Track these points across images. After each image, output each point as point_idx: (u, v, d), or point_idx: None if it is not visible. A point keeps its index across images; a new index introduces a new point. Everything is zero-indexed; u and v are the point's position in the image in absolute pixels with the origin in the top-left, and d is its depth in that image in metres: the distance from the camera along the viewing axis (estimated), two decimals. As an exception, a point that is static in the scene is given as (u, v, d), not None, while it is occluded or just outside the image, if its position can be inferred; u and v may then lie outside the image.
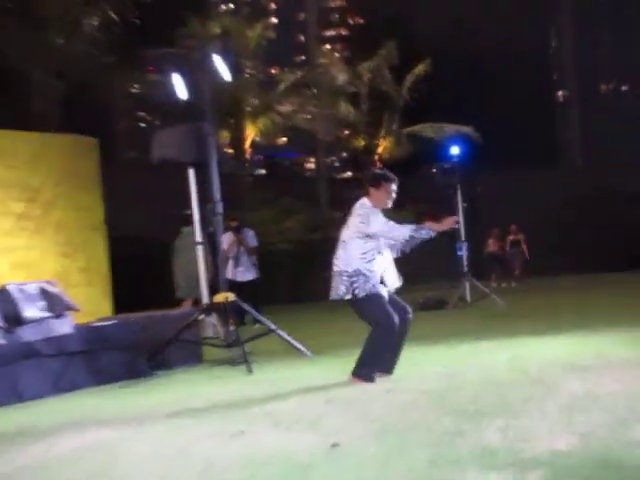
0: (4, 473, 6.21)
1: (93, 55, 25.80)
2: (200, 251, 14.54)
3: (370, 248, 9.63)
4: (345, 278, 9.59)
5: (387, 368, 9.63)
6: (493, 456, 5.55)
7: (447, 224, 9.71)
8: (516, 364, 10.08)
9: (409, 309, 9.86)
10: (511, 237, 31.12)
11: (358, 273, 9.54)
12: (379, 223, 9.60)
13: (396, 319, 9.45)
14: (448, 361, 10.03)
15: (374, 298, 9.52)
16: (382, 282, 9.75)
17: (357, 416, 7.48)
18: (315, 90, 31.70)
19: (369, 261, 9.61)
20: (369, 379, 9.33)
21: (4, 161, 14.68)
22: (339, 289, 9.62)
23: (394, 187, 9.88)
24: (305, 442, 6.47)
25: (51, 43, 24.82)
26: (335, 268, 9.75)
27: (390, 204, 9.89)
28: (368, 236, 9.59)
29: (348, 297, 9.57)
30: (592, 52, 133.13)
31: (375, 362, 9.55)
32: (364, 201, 9.78)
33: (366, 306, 9.55)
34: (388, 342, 9.56)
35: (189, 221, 18.56)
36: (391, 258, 9.92)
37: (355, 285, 9.52)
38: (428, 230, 9.59)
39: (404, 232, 9.57)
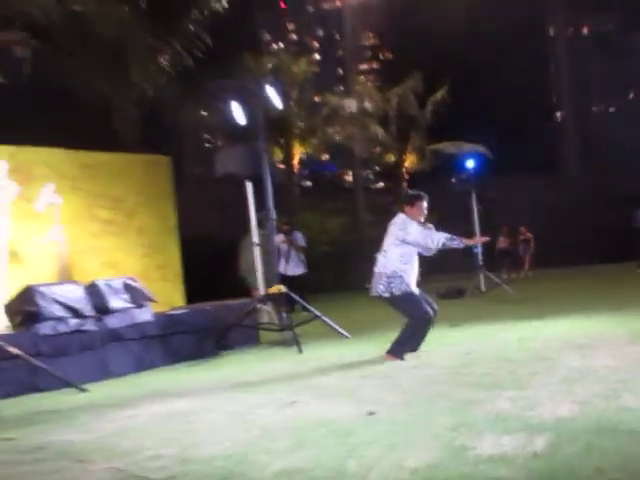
0: (95, 438, 6.24)
1: (166, 85, 25.90)
2: (257, 250, 14.57)
3: (406, 253, 9.73)
4: (384, 279, 9.68)
5: (413, 348, 9.66)
6: (505, 422, 5.54)
7: (476, 241, 10.68)
8: (523, 343, 10.05)
9: (435, 305, 9.89)
10: (521, 236, 31.08)
11: (395, 275, 9.65)
12: (416, 231, 9.71)
13: (430, 312, 9.59)
14: (465, 341, 10.01)
15: (409, 296, 9.63)
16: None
17: (389, 388, 7.47)
18: (352, 114, 31.61)
19: (405, 264, 9.71)
20: (400, 357, 9.37)
21: (93, 176, 14.76)
22: (378, 288, 9.72)
23: (425, 204, 9.97)
24: (345, 411, 6.47)
25: (132, 76, 24.92)
26: (376, 270, 9.80)
27: (422, 219, 9.96)
28: (405, 242, 9.70)
29: (386, 295, 9.68)
30: (585, 78, 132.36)
31: (408, 345, 9.62)
32: (401, 216, 9.89)
33: (402, 302, 9.66)
34: (423, 331, 9.68)
35: (260, 223, 18.95)
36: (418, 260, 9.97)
37: (392, 285, 9.62)
38: (459, 242, 9.80)
39: (439, 239, 9.69)
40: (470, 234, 19.87)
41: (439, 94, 33.97)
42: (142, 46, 24.81)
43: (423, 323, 9.65)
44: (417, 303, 9.63)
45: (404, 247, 9.75)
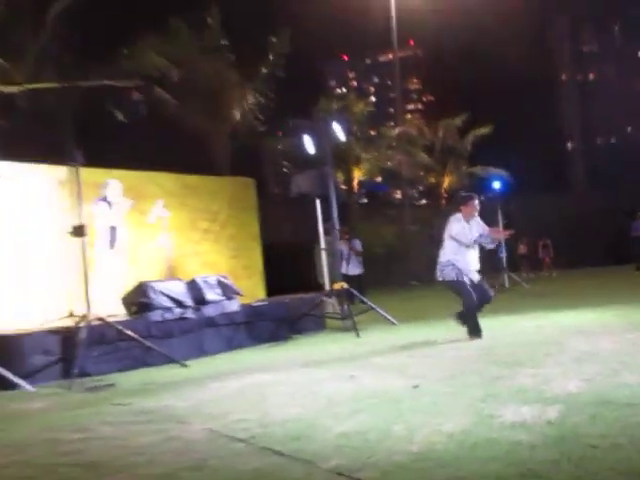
0: (193, 404, 6.28)
1: (253, 121, 26.12)
2: (324, 254, 14.59)
3: (456, 246, 9.70)
4: (439, 267, 9.77)
5: (474, 332, 9.59)
6: (524, 394, 5.50)
7: (503, 234, 10.80)
8: (540, 330, 9.98)
9: (490, 293, 9.90)
10: (541, 242, 30.84)
11: (448, 264, 9.70)
12: (456, 228, 9.71)
13: (473, 299, 9.54)
14: (492, 328, 9.89)
15: (456, 283, 9.66)
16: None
17: (431, 366, 7.44)
18: (399, 144, 31.60)
19: (456, 254, 9.67)
20: (471, 336, 9.52)
21: (195, 194, 14.89)
22: (436, 274, 9.86)
23: (476, 202, 9.94)
24: (394, 384, 6.45)
25: (226, 115, 25.19)
26: (437, 260, 9.89)
27: (476, 214, 9.92)
28: (453, 237, 9.70)
29: (439, 280, 9.83)
30: (591, 115, 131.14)
31: (467, 323, 9.68)
32: (456, 215, 9.90)
33: (452, 288, 9.73)
34: (469, 314, 9.64)
35: (326, 232, 19.06)
36: (475, 253, 9.90)
37: (444, 272, 9.72)
38: (487, 237, 9.87)
39: (470, 238, 9.68)
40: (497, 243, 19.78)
41: (483, 130, 33.95)
42: (234, 90, 25.05)
43: (466, 307, 9.64)
44: (463, 290, 9.61)
45: (453, 241, 9.73)
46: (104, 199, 11.21)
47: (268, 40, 25.86)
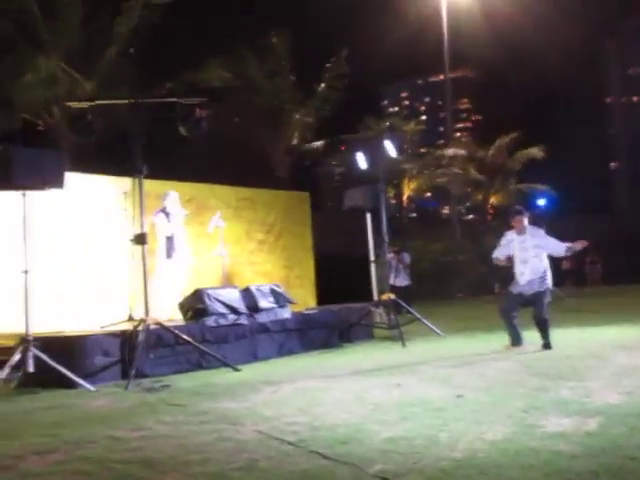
0: (246, 406, 6.29)
1: (309, 138, 26.28)
2: (373, 266, 14.56)
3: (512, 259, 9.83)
4: (544, 275, 9.84)
5: (515, 342, 9.64)
6: (566, 406, 5.47)
7: (579, 245, 10.05)
8: (581, 344, 9.89)
9: (536, 311, 9.66)
10: (589, 259, 30.51)
11: (545, 273, 9.82)
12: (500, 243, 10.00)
13: (505, 309, 9.66)
14: (536, 341, 9.77)
15: (506, 291, 10.04)
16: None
17: (475, 376, 7.38)
18: (449, 161, 31.50)
19: (511, 267, 9.85)
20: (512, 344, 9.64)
21: (252, 207, 15.01)
22: None
23: (517, 218, 9.94)
24: (439, 392, 6.43)
25: (284, 132, 25.40)
26: None
27: (522, 228, 9.86)
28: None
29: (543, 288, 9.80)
30: (635, 137, 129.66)
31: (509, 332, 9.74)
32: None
33: (546, 296, 9.81)
34: (504, 322, 9.75)
35: (377, 245, 19.23)
36: (529, 266, 9.75)
37: (545, 280, 9.82)
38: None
39: (499, 252, 9.93)
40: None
41: (534, 151, 33.75)
42: (292, 108, 25.26)
43: (501, 316, 9.76)
44: (504, 298, 9.97)
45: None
46: (163, 210, 11.34)
47: (326, 61, 26.02)
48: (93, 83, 18.91)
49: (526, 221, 9.91)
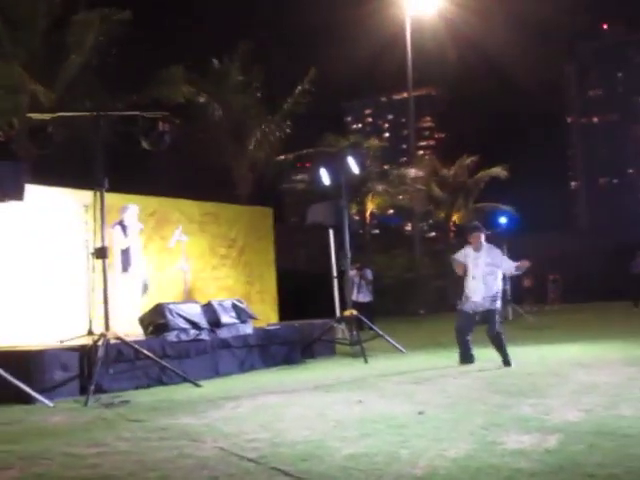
0: (206, 423, 6.24)
1: (271, 154, 26.25)
2: (335, 282, 14.57)
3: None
4: (497, 294, 9.79)
5: (464, 360, 9.80)
6: (527, 423, 5.50)
7: (524, 264, 9.86)
8: (542, 361, 9.98)
9: (489, 328, 9.69)
10: (552, 277, 30.73)
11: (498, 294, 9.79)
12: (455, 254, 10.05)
13: (463, 328, 9.74)
14: (496, 358, 9.81)
15: (458, 310, 10.00)
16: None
17: (436, 393, 7.41)
18: (412, 179, 31.65)
19: (464, 283, 9.82)
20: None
21: (215, 222, 14.93)
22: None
23: (476, 234, 9.93)
24: (401, 409, 6.43)
25: (247, 152, 25.37)
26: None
27: (478, 245, 9.84)
28: None
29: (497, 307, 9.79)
30: (594, 157, 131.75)
31: (459, 351, 9.85)
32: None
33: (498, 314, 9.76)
34: (458, 341, 9.83)
35: (339, 261, 19.35)
36: (482, 283, 9.69)
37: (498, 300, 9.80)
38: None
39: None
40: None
41: (496, 170, 34.14)
42: (255, 123, 25.24)
43: (456, 335, 9.87)
44: (458, 318, 9.97)
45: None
46: (120, 222, 11.18)
47: (291, 77, 26.09)
48: (54, 95, 18.72)
49: (483, 238, 9.90)
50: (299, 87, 26.08)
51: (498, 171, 34.26)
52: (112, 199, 10.39)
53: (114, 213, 11.23)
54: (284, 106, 26.12)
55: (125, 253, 11.16)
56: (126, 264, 11.13)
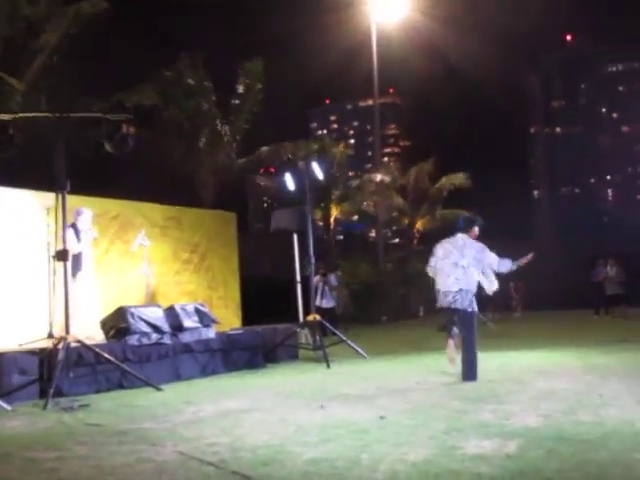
0: (167, 427, 6.21)
1: (234, 159, 26.17)
2: (298, 287, 14.57)
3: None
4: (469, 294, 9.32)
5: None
6: (486, 429, 5.53)
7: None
8: (502, 368, 9.99)
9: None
10: (514, 285, 30.91)
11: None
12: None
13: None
14: (457, 365, 9.85)
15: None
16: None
17: (397, 398, 7.42)
18: (376, 186, 31.72)
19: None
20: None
21: (177, 226, 14.84)
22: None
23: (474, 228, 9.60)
24: (363, 414, 6.44)
25: (203, 154, 25.25)
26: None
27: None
28: None
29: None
30: (556, 166, 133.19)
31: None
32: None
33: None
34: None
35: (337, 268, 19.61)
36: (450, 280, 9.07)
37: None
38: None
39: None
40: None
41: (461, 177, 34.31)
42: (216, 130, 25.15)
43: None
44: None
45: None
46: (73, 226, 10.87)
47: (240, 74, 25.94)
48: (17, 95, 18.49)
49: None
50: (245, 82, 25.89)
51: (461, 178, 34.45)
52: (74, 201, 10.32)
53: (75, 215, 11.12)
54: (238, 106, 25.95)
55: (76, 258, 10.72)
56: (76, 269, 10.71)
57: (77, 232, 10.88)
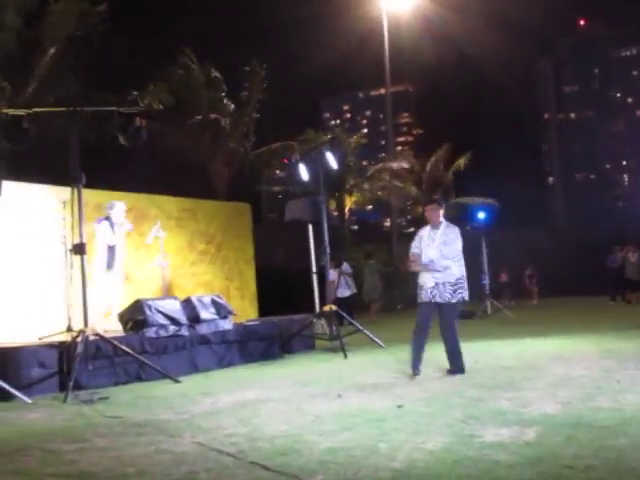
0: (185, 418, 6.24)
1: (249, 149, 26.18)
2: (314, 277, 14.56)
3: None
4: (458, 285, 8.22)
5: (413, 363, 8.31)
6: (504, 416, 5.52)
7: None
8: (519, 355, 9.96)
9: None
10: (527, 272, 30.74)
11: (464, 279, 8.29)
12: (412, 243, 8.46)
13: (417, 326, 8.28)
14: (474, 352, 9.84)
15: (419, 304, 8.33)
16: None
17: (414, 387, 7.43)
18: (390, 175, 31.63)
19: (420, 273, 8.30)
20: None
21: (193, 217, 14.87)
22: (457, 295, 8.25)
23: (431, 207, 8.51)
24: (380, 403, 6.44)
25: (222, 142, 25.26)
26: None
27: (434, 219, 8.36)
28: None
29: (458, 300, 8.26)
30: (571, 152, 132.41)
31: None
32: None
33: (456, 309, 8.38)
34: (414, 341, 8.36)
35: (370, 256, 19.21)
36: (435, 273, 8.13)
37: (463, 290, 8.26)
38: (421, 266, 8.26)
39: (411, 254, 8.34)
40: (479, 270, 19.87)
41: (461, 161, 34.12)
42: (230, 121, 25.15)
43: (414, 334, 8.35)
44: (418, 312, 8.34)
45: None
46: (107, 218, 11.12)
47: (246, 68, 25.94)
48: (26, 91, 18.52)
49: (441, 213, 8.46)
50: (248, 75, 25.89)
51: (463, 161, 34.30)
52: (89, 195, 10.36)
53: (91, 209, 11.18)
54: (248, 97, 25.95)
55: (111, 250, 11.09)
56: (111, 261, 11.06)
57: (112, 225, 11.04)
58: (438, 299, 8.14)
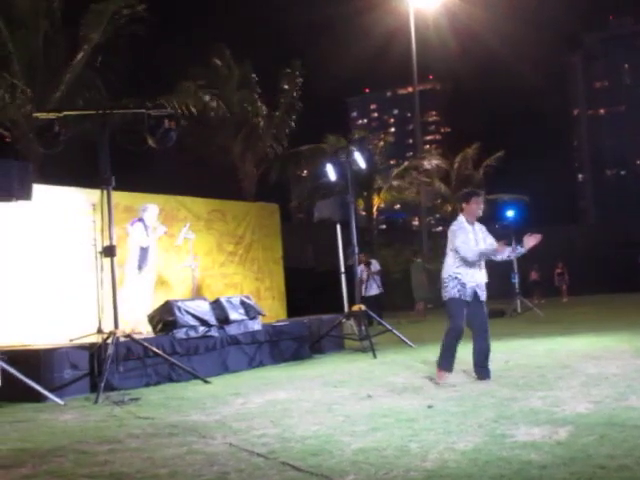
0: (216, 419, 6.26)
1: (278, 151, 26.23)
2: (343, 278, 14.54)
3: (460, 257, 7.71)
4: (442, 284, 7.82)
5: (445, 366, 7.79)
6: (536, 416, 5.48)
7: (532, 240, 7.91)
8: (550, 354, 9.89)
9: (486, 327, 7.89)
10: (558, 270, 30.58)
11: (450, 278, 7.72)
12: (460, 240, 7.71)
13: (460, 328, 7.71)
14: (505, 351, 9.81)
15: (453, 303, 7.69)
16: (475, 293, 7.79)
17: (445, 387, 7.40)
18: (418, 174, 31.56)
19: (458, 267, 7.72)
20: (441, 370, 7.77)
21: (222, 219, 14.94)
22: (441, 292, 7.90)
23: (480, 200, 8.07)
24: (410, 403, 6.42)
25: (254, 148, 25.36)
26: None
27: (480, 213, 8.02)
28: (457, 249, 7.72)
29: (443, 298, 7.87)
30: (601, 149, 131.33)
31: (443, 357, 7.79)
32: (459, 218, 7.97)
33: (447, 308, 7.80)
34: (449, 344, 7.76)
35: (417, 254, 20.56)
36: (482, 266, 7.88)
37: (445, 289, 7.78)
38: (498, 253, 7.74)
39: (473, 252, 7.63)
40: (509, 268, 19.80)
41: (491, 159, 34.06)
42: (259, 119, 25.20)
43: (449, 335, 7.76)
44: (454, 313, 7.71)
45: (457, 253, 7.74)
46: (140, 220, 11.22)
47: (282, 72, 25.99)
48: (58, 95, 18.63)
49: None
50: (287, 79, 25.92)
51: (496, 156, 34.28)
52: (119, 197, 10.46)
53: (121, 211, 11.28)
54: (281, 100, 26.01)
55: (144, 251, 11.22)
56: (142, 263, 11.20)
57: (145, 227, 11.15)
58: (483, 298, 7.90)
